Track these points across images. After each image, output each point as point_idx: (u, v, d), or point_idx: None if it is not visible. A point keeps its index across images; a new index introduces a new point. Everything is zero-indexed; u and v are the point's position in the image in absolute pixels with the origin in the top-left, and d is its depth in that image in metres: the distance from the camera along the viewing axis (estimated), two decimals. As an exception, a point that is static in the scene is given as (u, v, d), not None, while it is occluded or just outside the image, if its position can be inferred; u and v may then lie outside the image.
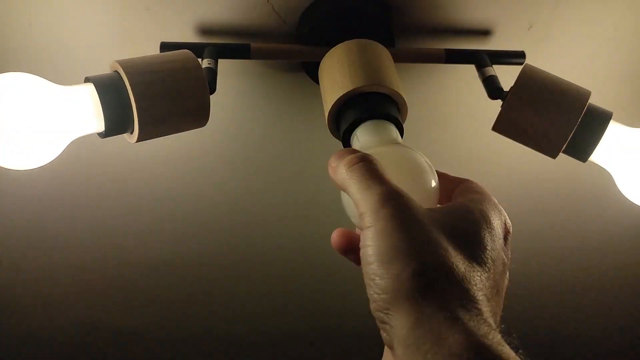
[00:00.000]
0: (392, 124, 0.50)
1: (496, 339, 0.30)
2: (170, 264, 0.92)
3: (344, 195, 0.42)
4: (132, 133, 0.52)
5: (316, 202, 0.82)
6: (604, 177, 0.60)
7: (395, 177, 0.38)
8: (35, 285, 0.93)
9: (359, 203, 0.36)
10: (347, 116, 0.51)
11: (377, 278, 0.32)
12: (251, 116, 0.72)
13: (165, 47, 0.59)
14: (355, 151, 0.40)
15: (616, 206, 0.77)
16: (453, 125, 0.74)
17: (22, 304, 0.96)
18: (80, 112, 0.49)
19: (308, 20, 0.62)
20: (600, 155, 0.57)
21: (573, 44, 0.69)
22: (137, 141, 0.52)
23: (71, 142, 0.51)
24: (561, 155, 0.57)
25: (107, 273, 0.92)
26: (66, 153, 0.52)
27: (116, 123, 0.51)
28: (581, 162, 0.58)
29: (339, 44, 0.56)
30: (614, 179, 0.59)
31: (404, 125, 0.51)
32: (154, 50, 0.59)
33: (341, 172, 0.38)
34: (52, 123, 0.48)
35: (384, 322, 0.32)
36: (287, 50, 0.61)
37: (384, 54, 0.55)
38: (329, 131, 0.54)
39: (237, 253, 0.90)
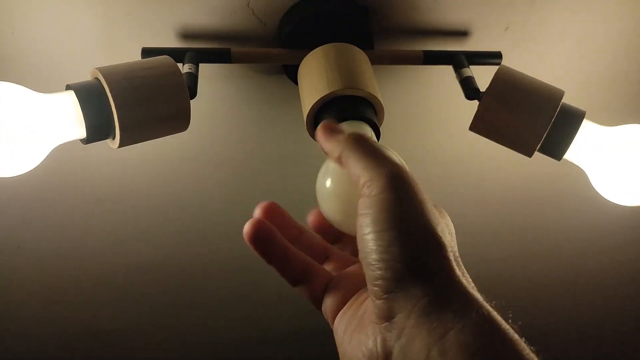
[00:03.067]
0: (369, 126, 0.51)
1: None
2: (159, 266, 0.92)
3: (327, 166, 0.43)
4: (113, 139, 0.53)
5: (300, 202, 0.82)
6: (579, 175, 0.61)
7: None
8: (27, 288, 0.93)
9: (364, 171, 0.35)
10: (324, 119, 0.52)
11: (392, 246, 0.32)
12: (233, 119, 0.73)
13: (146, 52, 0.60)
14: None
15: (591, 203, 0.78)
16: (431, 126, 0.76)
17: (15, 307, 0.97)
18: (62, 119, 0.50)
19: (287, 24, 0.63)
20: (574, 153, 0.58)
21: (549, 44, 0.70)
22: (118, 147, 0.53)
23: (55, 148, 0.52)
24: (537, 154, 0.59)
25: (99, 276, 0.93)
26: (51, 158, 0.53)
27: (97, 129, 0.51)
28: (556, 161, 0.59)
29: (317, 48, 0.57)
30: (588, 176, 0.60)
31: (381, 128, 0.52)
32: (136, 55, 0.60)
33: (347, 142, 0.38)
34: (33, 131, 0.48)
35: (392, 292, 0.31)
36: (267, 54, 0.62)
37: (361, 57, 0.56)
38: (304, 129, 0.55)
39: (224, 253, 0.91)
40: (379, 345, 0.32)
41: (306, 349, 1.13)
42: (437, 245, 0.33)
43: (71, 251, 0.88)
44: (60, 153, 0.55)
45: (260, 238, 0.39)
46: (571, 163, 0.60)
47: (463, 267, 0.34)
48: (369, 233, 0.33)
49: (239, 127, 0.74)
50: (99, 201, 0.81)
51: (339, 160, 0.38)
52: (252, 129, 0.74)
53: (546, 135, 0.57)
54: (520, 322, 0.32)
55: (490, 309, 0.31)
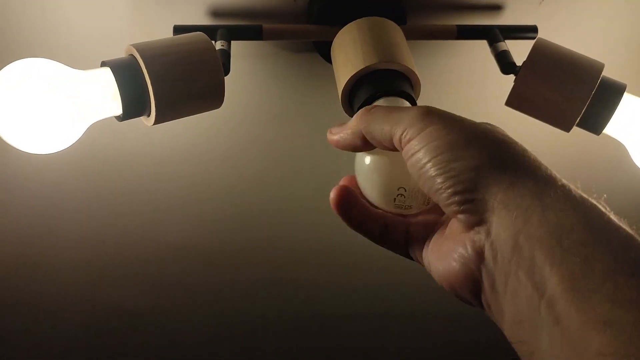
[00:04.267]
0: (406, 101, 0.50)
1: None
2: (186, 249, 0.93)
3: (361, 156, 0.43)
4: (148, 116, 0.53)
5: (332, 183, 0.82)
6: (618, 150, 0.60)
7: None
8: (56, 269, 0.95)
9: (394, 127, 0.36)
10: (360, 94, 0.51)
11: (453, 162, 0.33)
12: (265, 98, 0.72)
13: (178, 30, 0.60)
14: None
15: (630, 178, 0.77)
16: (465, 102, 0.74)
17: (40, 286, 0.98)
18: (98, 95, 0.50)
19: (319, 1, 0.62)
20: (614, 127, 0.57)
21: (584, 17, 0.68)
22: (154, 124, 0.53)
23: (89, 127, 0.52)
24: (575, 129, 0.57)
25: (124, 257, 0.93)
26: (84, 138, 0.53)
27: (133, 106, 0.51)
28: (595, 135, 0.58)
29: (351, 23, 0.56)
30: (629, 151, 0.59)
31: (417, 103, 0.52)
32: (167, 33, 0.59)
33: (362, 116, 0.39)
34: (71, 107, 0.49)
35: (469, 201, 0.32)
36: (299, 30, 0.61)
37: (395, 31, 0.55)
38: (339, 108, 0.55)
39: (253, 236, 0.91)
40: (469, 248, 0.33)
41: (328, 332, 1.14)
42: (496, 142, 0.34)
43: (100, 232, 0.89)
44: (91, 133, 0.55)
45: (345, 203, 0.42)
46: (610, 138, 0.59)
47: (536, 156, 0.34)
48: (425, 163, 0.34)
49: (270, 106, 0.73)
50: (127, 182, 0.81)
51: (364, 141, 0.39)
52: (284, 108, 0.74)
53: (585, 109, 0.55)
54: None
55: (572, 186, 0.32)
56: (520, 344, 0.30)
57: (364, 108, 0.39)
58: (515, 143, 0.35)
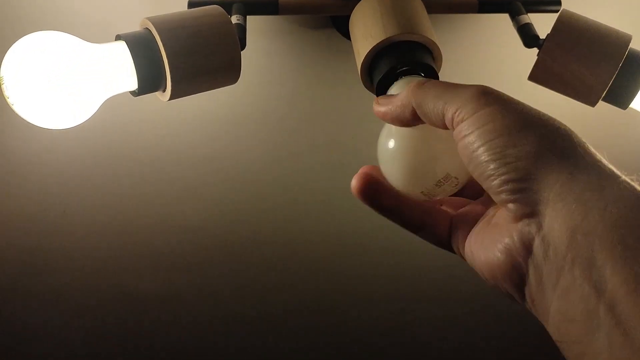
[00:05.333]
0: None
1: None
2: (199, 231, 0.92)
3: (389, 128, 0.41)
4: (164, 91, 0.52)
5: (348, 161, 0.81)
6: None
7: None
8: (70, 253, 0.95)
9: (448, 104, 0.34)
10: (380, 67, 0.50)
11: (509, 148, 0.31)
12: (280, 75, 0.71)
13: (193, 4, 0.59)
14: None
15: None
16: (487, 77, 0.73)
17: (52, 268, 0.98)
18: (114, 69, 0.49)
19: (336, -27, 0.60)
20: (642, 101, 0.55)
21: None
22: (169, 99, 0.52)
23: (104, 104, 0.51)
24: (600, 104, 0.56)
25: (137, 238, 0.93)
26: (98, 115, 0.52)
27: (149, 80, 0.51)
28: (621, 110, 0.57)
29: (370, -6, 0.54)
30: (655, 126, 0.58)
31: (439, 76, 0.50)
32: (182, 7, 0.58)
33: (414, 89, 0.37)
34: (87, 81, 0.48)
35: (523, 190, 0.31)
36: (316, 4, 0.60)
37: (417, 2, 0.54)
38: (360, 87, 0.54)
39: (267, 217, 0.91)
40: (516, 239, 0.31)
41: (341, 315, 1.13)
42: (555, 130, 0.32)
43: (114, 215, 0.88)
44: (104, 113, 0.54)
45: (368, 190, 0.39)
46: (634, 112, 0.57)
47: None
48: (478, 147, 0.32)
49: (286, 83, 0.72)
50: (142, 163, 0.81)
51: (414, 115, 0.37)
52: (300, 86, 0.73)
53: (612, 82, 0.54)
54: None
55: (635, 182, 0.30)
56: (569, 344, 0.29)
57: (417, 81, 0.37)
58: (574, 133, 0.33)
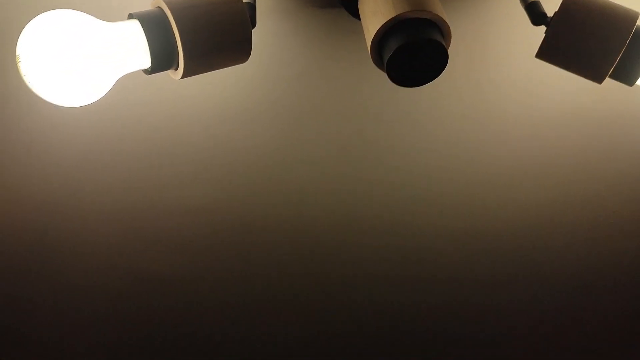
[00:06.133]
0: None
1: None
2: (209, 211, 0.93)
3: None
4: (176, 69, 0.53)
5: (355, 143, 0.82)
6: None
7: None
8: (75, 230, 0.95)
9: None
10: (390, 44, 0.50)
11: None
12: (289, 54, 0.72)
13: (203, -16, 0.59)
14: None
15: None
16: (494, 55, 0.73)
17: (62, 249, 0.99)
18: (127, 47, 0.50)
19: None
20: (649, 78, 0.56)
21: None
22: (181, 77, 0.53)
23: (116, 83, 0.52)
24: (607, 81, 0.56)
25: (147, 219, 0.94)
26: (110, 94, 0.53)
27: (161, 58, 0.51)
28: (628, 87, 0.57)
29: (379, -28, 0.55)
30: (662, 103, 0.58)
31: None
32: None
33: None
34: (101, 59, 0.49)
35: None
36: (325, -18, 0.61)
37: (425, -20, 0.54)
38: (368, 67, 0.54)
39: (275, 196, 0.91)
40: None
41: (351, 292, 1.14)
42: None
43: (126, 195, 0.89)
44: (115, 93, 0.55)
45: None
46: (641, 90, 0.58)
47: None
48: None
49: (295, 63, 0.72)
50: (152, 144, 0.81)
51: None
52: (308, 65, 0.73)
53: (619, 59, 0.54)
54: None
55: None
56: None
57: None
58: None
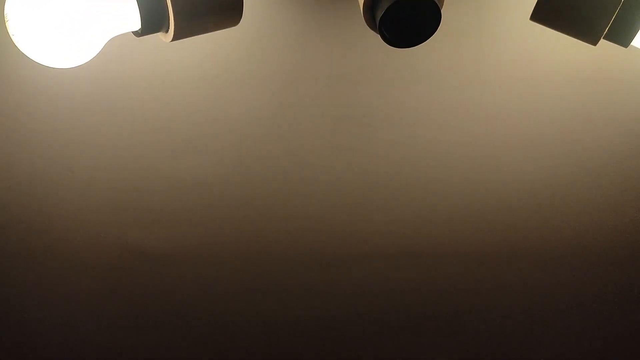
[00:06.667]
0: None
1: None
2: (206, 185, 0.93)
3: None
4: (167, 31, 0.53)
5: (352, 111, 0.82)
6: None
7: None
8: (67, 205, 0.95)
9: None
10: (382, 2, 0.50)
11: None
12: (280, 19, 0.71)
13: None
14: None
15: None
16: (488, 19, 0.73)
17: (55, 223, 0.98)
18: (117, 7, 0.49)
19: None
20: (643, 39, 0.56)
21: None
22: (172, 39, 0.53)
23: (107, 47, 0.52)
24: (602, 43, 0.56)
25: (142, 192, 0.93)
26: (99, 58, 0.52)
27: (152, 19, 0.51)
28: (622, 48, 0.57)
29: None
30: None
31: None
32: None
33: None
34: (90, 18, 0.48)
35: None
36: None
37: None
38: (362, 32, 0.54)
39: (273, 168, 0.91)
40: None
41: (350, 272, 1.14)
42: None
43: (121, 169, 0.88)
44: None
45: None
46: (636, 50, 0.58)
47: None
48: None
49: (286, 29, 0.72)
50: (146, 118, 0.81)
51: None
52: (300, 30, 0.72)
53: (614, 19, 0.54)
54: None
55: None
56: None
57: None
58: None
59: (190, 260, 1.09)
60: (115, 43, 0.57)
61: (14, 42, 0.48)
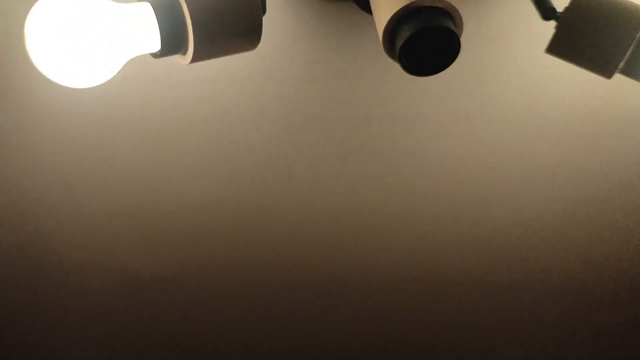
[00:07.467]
0: None
1: None
2: (206, 207, 0.92)
3: None
4: (185, 53, 0.52)
5: (361, 142, 0.82)
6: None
7: None
8: (67, 225, 0.94)
9: None
10: (403, 31, 0.50)
11: None
12: (296, 48, 0.71)
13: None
14: None
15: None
16: (503, 50, 0.74)
17: (54, 245, 0.97)
18: (138, 30, 0.49)
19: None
20: (657, 74, 0.56)
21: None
22: (190, 62, 0.53)
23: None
24: (615, 77, 0.57)
25: (140, 215, 0.92)
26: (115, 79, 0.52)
27: (171, 42, 0.51)
28: (637, 84, 0.57)
29: (391, -38, 0.55)
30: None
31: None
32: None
33: None
34: (111, 40, 0.48)
35: None
36: (335, -27, 0.61)
37: (437, -30, 0.54)
38: (377, 62, 0.54)
39: (276, 196, 0.90)
40: None
41: (345, 295, 1.13)
42: None
43: (120, 190, 0.88)
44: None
45: None
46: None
47: None
48: None
49: (302, 55, 0.72)
50: (149, 133, 0.80)
51: None
52: (316, 58, 0.73)
53: (629, 54, 0.55)
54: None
55: None
56: None
57: None
58: None
59: (187, 284, 1.08)
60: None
61: (32, 60, 0.48)
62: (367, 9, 0.61)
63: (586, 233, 0.95)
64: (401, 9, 0.50)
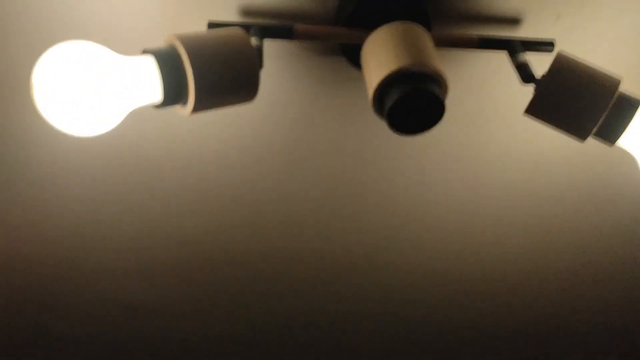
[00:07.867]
0: None
1: None
2: (197, 244, 0.94)
3: None
4: (185, 104, 0.55)
5: (350, 190, 0.84)
6: (630, 165, 0.63)
7: None
8: (68, 260, 0.95)
9: None
10: (392, 94, 0.53)
11: None
12: (288, 100, 0.74)
13: (212, 26, 0.61)
14: None
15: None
16: (484, 110, 0.77)
17: (56, 278, 0.98)
18: (141, 81, 0.51)
19: (348, 4, 0.64)
20: (628, 139, 0.59)
21: (601, 33, 0.71)
22: (191, 113, 0.55)
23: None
24: (589, 141, 0.60)
25: (134, 251, 0.94)
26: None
27: (173, 94, 0.53)
28: (608, 148, 0.61)
29: (383, 26, 0.58)
30: (638, 162, 0.62)
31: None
32: (197, 27, 0.61)
33: None
34: (114, 91, 0.50)
35: None
36: (330, 32, 0.63)
37: (426, 36, 0.58)
38: (364, 115, 0.57)
39: (267, 236, 0.92)
40: None
41: (337, 331, 1.15)
42: None
43: (114, 224, 0.89)
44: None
45: None
46: (622, 151, 0.62)
47: None
48: None
49: (293, 108, 0.75)
50: (144, 175, 0.82)
51: None
52: (307, 110, 0.75)
53: (602, 120, 0.58)
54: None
55: None
56: None
57: None
58: None
59: (186, 315, 1.08)
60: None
61: (38, 109, 0.49)
62: (357, 64, 0.64)
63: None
64: (391, 73, 0.53)
